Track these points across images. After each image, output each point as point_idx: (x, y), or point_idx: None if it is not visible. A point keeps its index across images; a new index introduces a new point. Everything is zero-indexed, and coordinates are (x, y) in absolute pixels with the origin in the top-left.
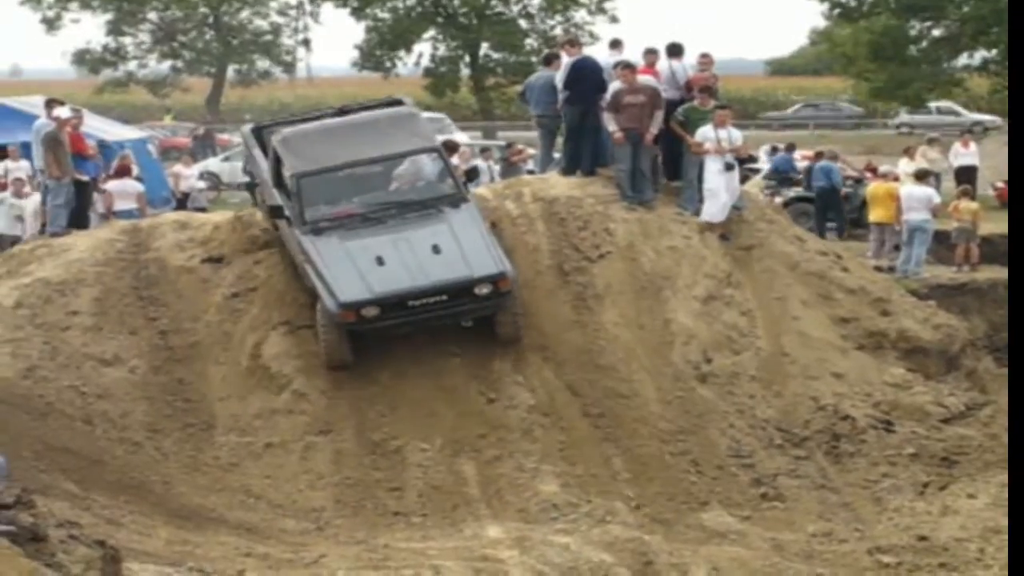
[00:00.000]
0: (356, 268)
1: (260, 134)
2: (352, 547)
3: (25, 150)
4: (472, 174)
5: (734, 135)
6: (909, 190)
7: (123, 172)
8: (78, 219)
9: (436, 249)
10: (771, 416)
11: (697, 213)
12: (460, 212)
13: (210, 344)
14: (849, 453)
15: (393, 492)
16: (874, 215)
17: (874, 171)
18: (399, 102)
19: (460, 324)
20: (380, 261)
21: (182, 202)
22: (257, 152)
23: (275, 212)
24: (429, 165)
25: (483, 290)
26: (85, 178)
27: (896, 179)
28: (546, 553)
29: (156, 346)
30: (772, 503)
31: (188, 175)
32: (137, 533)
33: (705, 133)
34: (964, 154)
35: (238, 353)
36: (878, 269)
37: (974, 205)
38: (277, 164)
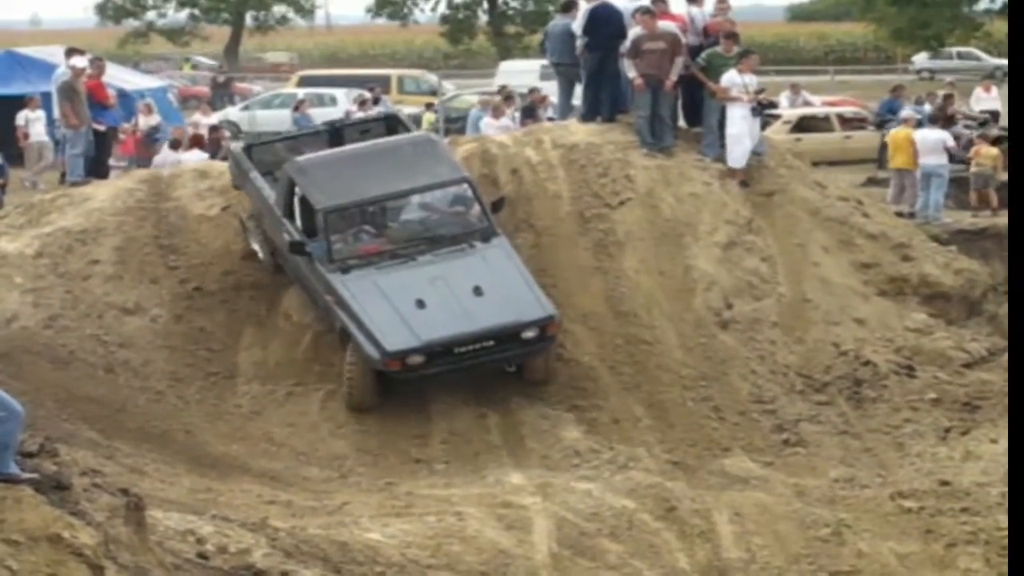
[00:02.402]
0: (397, 313)
1: (251, 152)
2: (375, 494)
3: (45, 100)
4: (498, 205)
5: (752, 81)
6: (923, 134)
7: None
8: (97, 169)
9: (478, 291)
10: (792, 362)
11: (718, 159)
12: (492, 248)
13: (231, 293)
14: (871, 398)
15: (415, 440)
16: (895, 160)
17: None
18: (395, 117)
19: (504, 370)
20: (421, 304)
21: None
22: (256, 175)
23: (295, 248)
24: (458, 196)
25: (529, 334)
26: (103, 128)
27: (918, 124)
28: (568, 499)
29: (177, 295)
30: (794, 449)
31: (207, 124)
32: (160, 481)
33: (731, 79)
34: (986, 99)
35: (259, 302)
36: (899, 215)
37: (995, 150)
38: (289, 194)
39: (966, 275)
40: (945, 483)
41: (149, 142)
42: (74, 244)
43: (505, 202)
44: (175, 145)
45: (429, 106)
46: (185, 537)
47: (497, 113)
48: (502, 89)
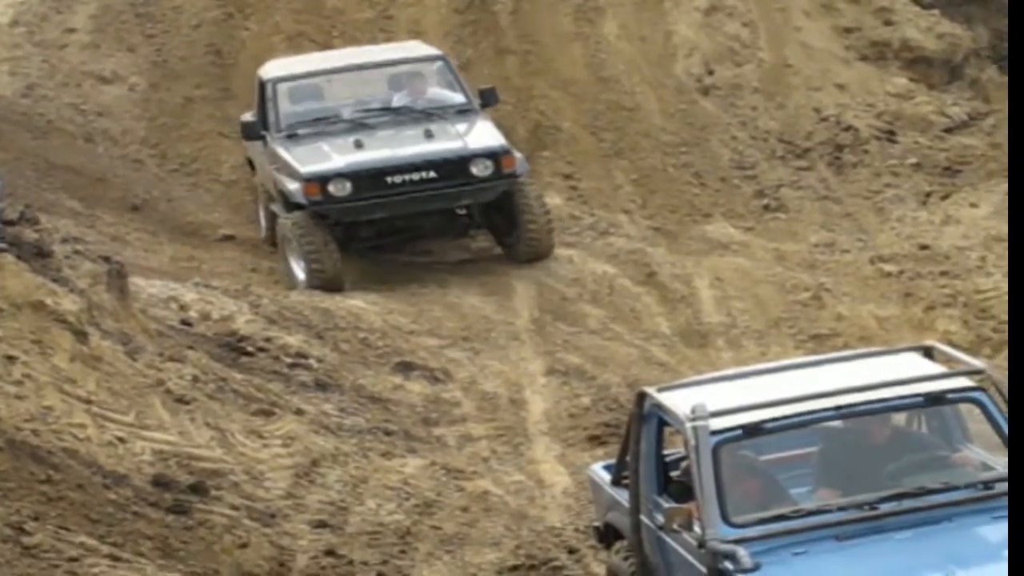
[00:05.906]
0: (331, 151)
1: None
2: (357, 261)
3: None
4: (488, 96)
5: None
6: None
7: None
8: None
9: (429, 134)
10: (773, 128)
11: None
12: (468, 120)
13: (209, 61)
14: (852, 164)
15: None
16: None
17: None
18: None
19: (455, 213)
20: (359, 144)
21: None
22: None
23: (248, 131)
24: (435, 78)
25: (482, 170)
26: None
27: None
28: (549, 265)
29: (155, 63)
30: (775, 214)
31: None
32: (143, 250)
33: None
34: None
35: (236, 71)
36: None
37: None
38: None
39: (948, 39)
40: (925, 247)
41: None
42: (49, 12)
43: (496, 94)
44: None
45: None
46: (168, 304)
47: None
48: None
